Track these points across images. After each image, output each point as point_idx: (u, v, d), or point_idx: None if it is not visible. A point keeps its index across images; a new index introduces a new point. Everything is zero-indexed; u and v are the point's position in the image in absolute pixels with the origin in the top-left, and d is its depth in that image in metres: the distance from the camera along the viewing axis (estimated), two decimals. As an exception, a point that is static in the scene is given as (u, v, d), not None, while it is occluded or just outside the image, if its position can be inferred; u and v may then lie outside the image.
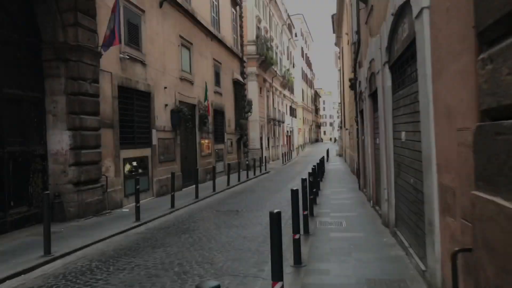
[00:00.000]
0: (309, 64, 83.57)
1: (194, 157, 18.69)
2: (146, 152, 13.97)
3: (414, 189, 5.49)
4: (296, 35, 65.23)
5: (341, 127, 43.05)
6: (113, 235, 8.45)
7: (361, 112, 13.41)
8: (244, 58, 29.36)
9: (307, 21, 79.99)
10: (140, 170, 13.63)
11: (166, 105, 15.56)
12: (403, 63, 6.07)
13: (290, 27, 56.33)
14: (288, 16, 54.25)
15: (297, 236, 5.86)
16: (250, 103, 29.54)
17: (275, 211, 4.47)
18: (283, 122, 47.91)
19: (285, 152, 40.20)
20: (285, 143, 51.05)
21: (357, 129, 14.99)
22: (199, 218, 10.31)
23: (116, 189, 11.53)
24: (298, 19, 69.87)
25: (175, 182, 16.16)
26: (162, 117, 15.24)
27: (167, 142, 15.74)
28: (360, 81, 12.66)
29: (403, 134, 6.08)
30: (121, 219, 10.16)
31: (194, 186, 17.95)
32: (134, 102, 13.24)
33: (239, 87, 26.98)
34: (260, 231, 8.55)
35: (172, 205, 11.77)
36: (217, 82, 22.49)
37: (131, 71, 12.94)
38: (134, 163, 13.29)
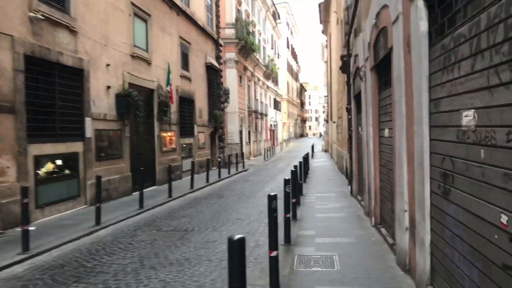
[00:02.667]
0: (294, 56, 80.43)
1: (151, 153, 15.40)
2: (75, 147, 10.64)
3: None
4: (280, 20, 61.90)
5: (327, 121, 40.08)
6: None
7: (357, 96, 10.34)
8: (221, 42, 26.04)
9: (293, 12, 76.52)
10: (66, 171, 10.32)
11: (108, 87, 12.23)
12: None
13: (275, 14, 53.04)
14: (273, 3, 50.94)
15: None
16: (227, 92, 26.29)
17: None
18: (266, 115, 44.74)
19: (267, 148, 37.11)
20: (268, 137, 47.92)
21: (349, 119, 11.93)
22: (120, 248, 7.00)
23: (15, 200, 8.18)
24: (283, 7, 66.53)
25: (122, 185, 12.99)
26: (102, 102, 11.92)
27: (111, 135, 12.44)
28: (356, 55, 9.54)
29: (469, 115, 2.97)
30: (3, 246, 6.87)
31: (150, 188, 14.85)
32: (56, 80, 9.87)
33: (213, 73, 23.69)
34: (207, 276, 5.38)
35: (97, 221, 8.51)
36: (185, 65, 19.18)
37: (49, 38, 9.58)
38: (59, 162, 9.99)
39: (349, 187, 12.74)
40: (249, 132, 35.16)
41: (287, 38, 68.13)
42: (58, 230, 7.98)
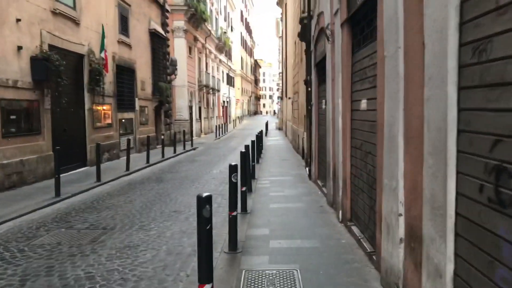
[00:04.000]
0: (249, 30, 77.96)
1: (80, 129, 13.19)
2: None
3: None
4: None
5: (281, 98, 38.71)
6: None
7: (319, 65, 8.80)
8: (168, 8, 23.60)
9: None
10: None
11: (19, 47, 9.91)
12: None
13: (228, -16, 50.31)
14: (226, -29, 48.17)
15: None
16: (174, 63, 24.03)
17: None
18: (219, 91, 42.66)
19: (220, 125, 35.26)
20: (221, 114, 46.00)
21: (308, 93, 10.40)
22: (3, 259, 5.11)
23: None
24: (237, -22, 63.58)
25: (41, 166, 10.81)
26: (11, 66, 9.62)
27: (25, 106, 10.19)
28: (320, 13, 7.91)
29: None
30: None
31: (79, 170, 12.74)
32: None
33: (159, 42, 21.35)
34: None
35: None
36: (124, 29, 16.81)
37: None
38: None
39: (307, 169, 11.35)
40: (200, 108, 33.11)
41: (241, 11, 65.51)
42: None
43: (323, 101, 7.39)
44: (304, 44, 12.46)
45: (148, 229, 6.19)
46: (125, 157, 15.92)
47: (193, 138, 29.30)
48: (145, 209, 7.56)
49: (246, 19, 72.40)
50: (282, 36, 35.00)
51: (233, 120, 48.92)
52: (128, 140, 12.99)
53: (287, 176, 11.01)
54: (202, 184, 10.28)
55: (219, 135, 32.04)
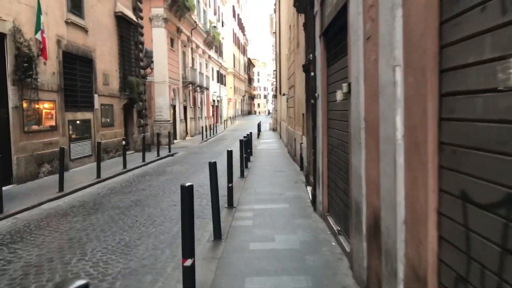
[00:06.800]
0: (242, 27, 74.53)
1: (2, 134, 9.79)
2: None
3: None
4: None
5: (275, 96, 35.26)
6: None
7: (328, 31, 5.49)
8: (142, -10, 20.20)
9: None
10: None
11: None
12: None
13: (218, -25, 46.83)
14: (216, -39, 44.75)
15: None
16: (149, 54, 20.64)
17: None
18: (208, 89, 39.23)
19: (209, 126, 31.85)
20: (211, 114, 42.56)
21: (311, 79, 7.05)
22: None
23: None
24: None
25: None
26: None
27: None
28: None
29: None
30: None
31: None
32: None
33: (128, 28, 17.95)
34: None
35: None
36: (76, 7, 13.38)
37: None
38: None
39: (308, 190, 8.02)
40: (185, 108, 29.70)
41: (233, 6, 62.10)
42: None
43: (344, 85, 4.06)
44: (301, 22, 9.16)
45: None
46: (77, 168, 12.63)
47: (177, 141, 26.01)
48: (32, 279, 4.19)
49: (238, 15, 68.98)
50: (275, 29, 31.62)
51: (225, 121, 45.48)
52: (62, 150, 9.42)
53: (281, 202, 7.64)
54: (152, 218, 6.88)
55: (206, 137, 28.71)
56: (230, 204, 7.30)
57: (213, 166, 5.41)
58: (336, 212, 5.45)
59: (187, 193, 3.56)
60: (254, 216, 6.58)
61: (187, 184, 3.62)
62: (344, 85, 4.04)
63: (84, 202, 8.28)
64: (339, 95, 4.45)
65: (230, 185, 7.26)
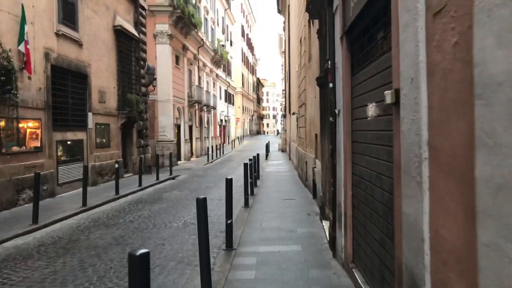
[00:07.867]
0: (251, 47, 74.09)
1: (-28, 156, 8.60)
2: None
3: None
4: (233, 1, 55.22)
5: (284, 115, 34.05)
6: None
7: (353, 29, 4.22)
8: (145, 5, 19.30)
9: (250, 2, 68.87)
10: None
11: None
12: None
13: (226, -5, 46.31)
14: (224, -20, 44.29)
15: None
16: (151, 71, 19.57)
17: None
18: (215, 108, 38.15)
19: (215, 146, 30.60)
20: (218, 134, 41.40)
21: (329, 91, 5.72)
22: None
23: None
24: (237, -9, 59.90)
25: None
26: None
27: None
28: None
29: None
30: None
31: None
32: None
33: (129, 44, 16.94)
34: None
35: None
36: (69, 19, 12.37)
37: None
38: None
39: (324, 226, 6.62)
40: (190, 127, 28.56)
41: (242, 26, 61.67)
42: None
43: (387, 93, 2.77)
44: (313, 34, 7.96)
45: None
46: (66, 193, 11.42)
47: (181, 162, 24.78)
48: None
49: (247, 34, 68.56)
50: (285, 47, 30.59)
51: (232, 141, 44.26)
52: (37, 175, 8.13)
53: (292, 243, 6.23)
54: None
55: (212, 158, 27.44)
56: (229, 244, 5.93)
57: (201, 203, 4.08)
58: (367, 267, 4.06)
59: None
60: (258, 263, 5.19)
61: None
62: (388, 93, 2.73)
63: (57, 239, 6.96)
64: (373, 109, 3.13)
65: (229, 221, 5.90)
